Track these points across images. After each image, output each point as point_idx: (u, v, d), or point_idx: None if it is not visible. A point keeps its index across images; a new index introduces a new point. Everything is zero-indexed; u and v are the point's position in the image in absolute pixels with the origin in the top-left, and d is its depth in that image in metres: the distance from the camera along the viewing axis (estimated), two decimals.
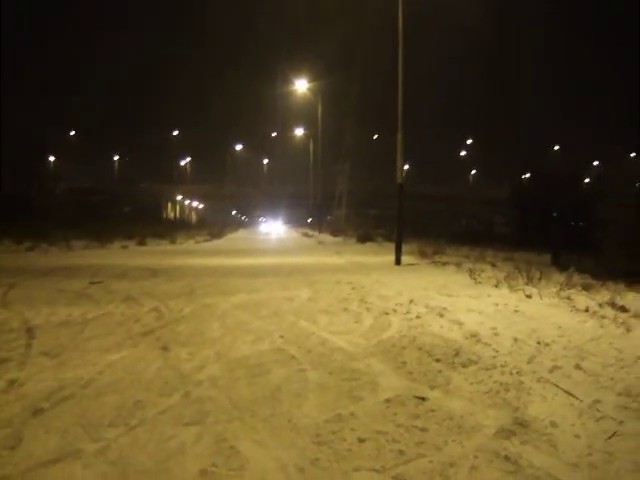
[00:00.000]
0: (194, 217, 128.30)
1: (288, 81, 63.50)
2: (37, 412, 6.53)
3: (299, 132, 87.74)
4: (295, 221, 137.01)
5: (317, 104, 63.05)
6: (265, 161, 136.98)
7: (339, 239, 50.99)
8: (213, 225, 78.79)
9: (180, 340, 10.17)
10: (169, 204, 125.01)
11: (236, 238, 64.41)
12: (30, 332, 10.90)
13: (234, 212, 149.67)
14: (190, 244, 48.06)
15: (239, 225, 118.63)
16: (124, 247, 40.49)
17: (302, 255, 33.30)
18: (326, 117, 65.29)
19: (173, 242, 48.73)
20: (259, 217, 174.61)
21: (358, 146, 76.31)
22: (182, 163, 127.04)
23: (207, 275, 21.03)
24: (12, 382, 7.65)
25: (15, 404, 6.81)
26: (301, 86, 63.46)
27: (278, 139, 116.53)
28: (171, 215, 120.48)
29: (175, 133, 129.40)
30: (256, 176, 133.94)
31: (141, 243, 44.27)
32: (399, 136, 25.42)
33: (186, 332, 10.86)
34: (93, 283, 18.11)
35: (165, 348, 9.55)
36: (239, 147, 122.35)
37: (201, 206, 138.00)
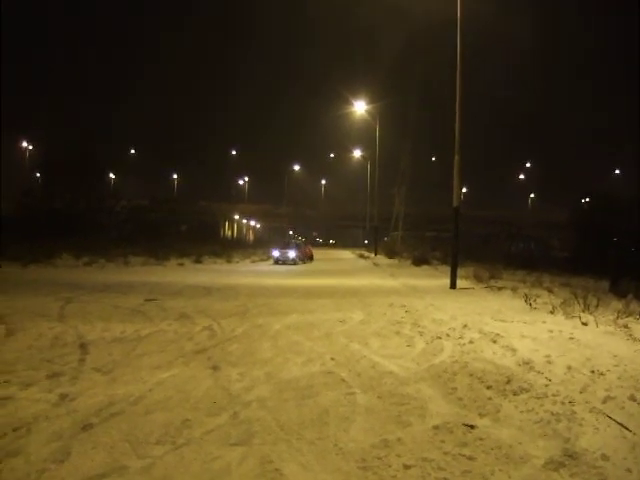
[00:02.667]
0: (251, 236, 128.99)
1: (347, 103, 63.69)
2: (86, 427, 6.60)
3: (357, 154, 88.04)
4: (350, 242, 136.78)
5: (375, 126, 63.14)
6: (322, 182, 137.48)
7: (394, 261, 50.80)
8: (270, 245, 79.03)
9: (231, 360, 10.23)
10: (226, 223, 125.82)
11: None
12: (84, 347, 11.05)
13: (290, 232, 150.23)
14: (246, 263, 48.28)
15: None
16: (180, 264, 40.97)
17: (357, 277, 33.25)
18: (383, 139, 65.38)
19: (229, 261, 49.03)
20: (316, 238, 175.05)
21: (415, 168, 76.29)
22: (240, 182, 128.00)
23: (261, 295, 21.12)
24: (64, 396, 7.75)
25: (65, 418, 6.90)
26: (360, 108, 63.63)
27: (335, 160, 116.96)
28: (228, 234, 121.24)
29: (234, 152, 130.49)
30: (313, 197, 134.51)
31: (197, 261, 44.80)
32: (456, 159, 25.28)
33: (237, 352, 10.91)
34: (148, 300, 18.29)
35: (216, 368, 9.60)
36: (297, 167, 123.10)
37: (258, 225, 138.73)
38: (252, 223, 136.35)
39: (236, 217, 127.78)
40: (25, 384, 8.34)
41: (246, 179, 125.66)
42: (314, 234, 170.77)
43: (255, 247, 74.14)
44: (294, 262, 46.45)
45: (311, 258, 53.11)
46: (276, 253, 48.80)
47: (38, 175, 71.46)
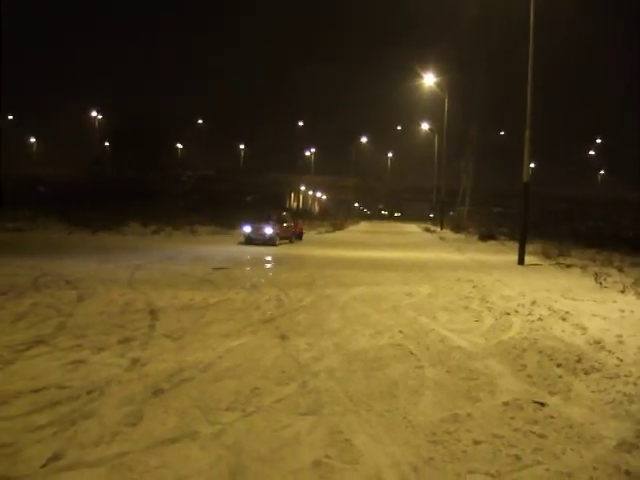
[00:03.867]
0: (316, 208, 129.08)
1: (416, 75, 63.01)
2: (157, 392, 6.69)
3: (424, 127, 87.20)
4: (416, 216, 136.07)
5: (444, 99, 62.47)
6: (389, 154, 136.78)
7: (461, 236, 50.36)
8: (335, 216, 78.90)
9: (299, 330, 10.27)
10: (292, 194, 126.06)
11: (358, 230, 64.33)
12: (153, 314, 11.20)
13: (356, 204, 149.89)
14: (312, 235, 48.23)
15: (361, 217, 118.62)
16: None
17: (423, 250, 33.06)
18: (452, 112, 64.67)
19: None
20: (381, 210, 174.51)
21: (483, 142, 75.43)
22: (307, 153, 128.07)
23: (328, 266, 21.16)
24: (135, 361, 7.87)
25: (137, 383, 7.00)
26: (429, 80, 62.89)
27: (403, 133, 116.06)
28: (294, 205, 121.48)
29: (301, 124, 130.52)
30: (379, 169, 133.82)
31: None
32: (527, 134, 24.89)
33: (305, 322, 10.96)
34: (216, 269, 18.45)
35: (284, 337, 9.66)
36: (364, 140, 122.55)
37: (324, 197, 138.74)
38: (318, 195, 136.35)
39: (302, 188, 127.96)
40: (97, 348, 8.50)
41: (312, 150, 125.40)
42: (379, 206, 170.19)
43: (321, 219, 74.05)
44: (272, 242, 33.44)
45: (300, 236, 38.58)
46: (248, 229, 34.26)
47: (107, 144, 72.29)
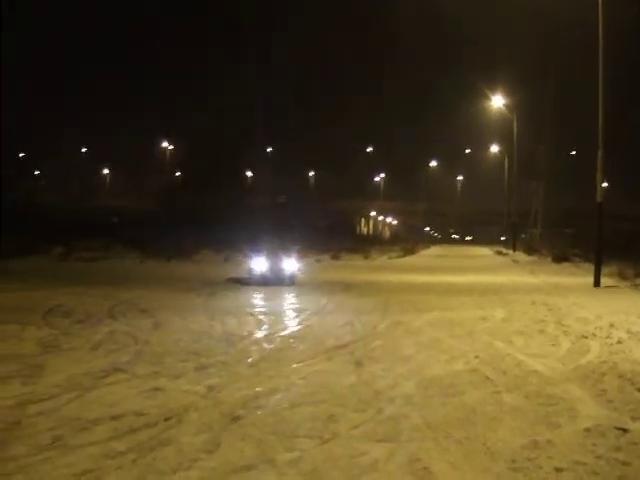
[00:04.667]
0: (387, 233, 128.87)
1: (484, 96, 62.50)
2: (234, 419, 6.71)
3: (493, 149, 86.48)
4: (487, 239, 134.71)
5: (512, 120, 61.93)
6: (458, 178, 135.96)
7: (533, 258, 49.65)
8: (406, 241, 78.71)
9: (374, 356, 10.23)
10: (362, 219, 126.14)
11: (429, 255, 64.10)
12: (229, 341, 11.29)
13: (426, 229, 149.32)
14: (383, 260, 48.22)
15: (431, 242, 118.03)
16: (318, 260, 41.55)
17: (496, 274, 32.69)
18: (521, 133, 64.01)
19: (366, 257, 49.08)
20: (452, 234, 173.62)
21: (553, 163, 74.37)
22: (376, 179, 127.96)
23: (400, 291, 21.12)
24: (211, 388, 7.93)
25: (214, 410, 7.04)
26: (497, 102, 62.25)
27: (471, 155, 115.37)
28: (364, 230, 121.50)
29: (369, 149, 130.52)
30: (449, 193, 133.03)
31: (335, 257, 45.36)
32: (600, 154, 24.50)
33: (380, 348, 10.92)
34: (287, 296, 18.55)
35: (358, 363, 9.63)
36: (433, 164, 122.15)
37: (394, 222, 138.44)
38: (388, 219, 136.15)
39: (372, 214, 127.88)
40: (174, 376, 8.59)
41: (382, 176, 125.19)
42: (450, 230, 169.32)
43: (392, 244, 73.91)
44: (291, 281, 23.19)
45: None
46: (260, 266, 23.40)
47: (178, 174, 73.51)
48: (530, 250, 57.05)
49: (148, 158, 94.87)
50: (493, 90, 61.35)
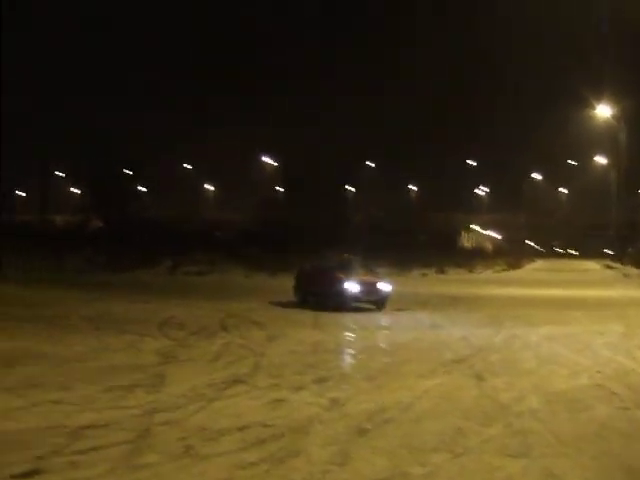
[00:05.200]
0: (489, 246, 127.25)
1: (588, 106, 60.82)
2: (362, 432, 6.63)
3: (598, 160, 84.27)
4: (592, 252, 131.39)
5: (618, 130, 60.20)
6: (560, 189, 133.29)
7: None
8: (509, 255, 77.52)
9: (493, 370, 10.08)
10: (463, 233, 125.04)
11: (535, 269, 62.98)
12: (343, 354, 11.29)
13: (528, 242, 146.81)
14: (489, 274, 47.73)
15: (535, 255, 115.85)
16: (424, 275, 41.48)
17: (606, 288, 31.88)
18: (629, 141, 62.09)
19: (471, 271, 48.93)
20: (554, 247, 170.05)
21: None
22: (478, 192, 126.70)
23: (510, 305, 20.85)
24: (334, 401, 7.88)
25: (339, 422, 6.98)
26: (603, 111, 60.54)
27: (574, 167, 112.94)
28: (466, 244, 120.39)
29: (473, 163, 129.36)
30: (551, 205, 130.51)
31: (440, 271, 44.99)
32: None
33: (498, 362, 10.76)
34: (398, 310, 18.45)
35: (479, 377, 9.48)
36: (536, 176, 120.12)
37: (496, 235, 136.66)
38: (490, 233, 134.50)
39: (473, 227, 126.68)
40: (294, 388, 8.60)
41: (484, 189, 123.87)
42: (553, 244, 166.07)
43: (495, 257, 72.79)
44: (381, 302, 19.93)
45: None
46: (353, 286, 19.76)
47: (278, 189, 74.28)
48: None
49: (250, 173, 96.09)
50: (598, 99, 59.60)
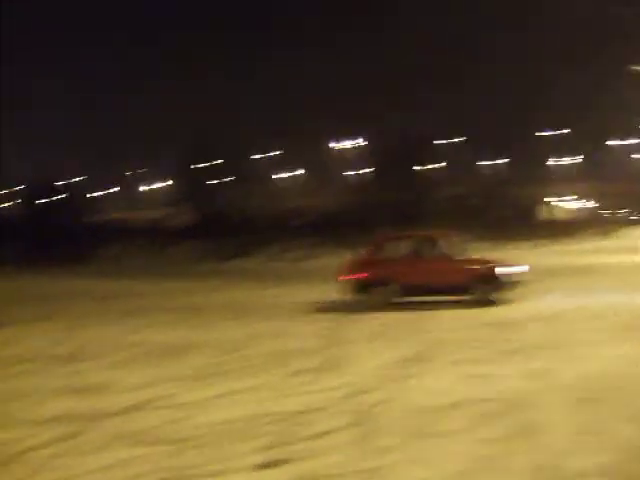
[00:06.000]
0: (571, 218, 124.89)
1: None
2: (586, 401, 6.47)
3: None
4: None
5: None
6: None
7: None
8: (596, 225, 75.82)
9: None
10: (544, 205, 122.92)
11: (636, 236, 61.24)
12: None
13: (607, 211, 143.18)
14: (594, 243, 47.33)
15: (627, 224, 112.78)
16: (535, 246, 43.22)
17: None
18: None
19: (575, 241, 49.82)
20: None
21: None
22: (563, 162, 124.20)
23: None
24: (533, 373, 7.71)
25: (556, 394, 6.82)
26: None
27: None
28: (545, 216, 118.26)
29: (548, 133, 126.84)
30: (630, 172, 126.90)
31: (546, 244, 46.40)
32: None
33: None
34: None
35: None
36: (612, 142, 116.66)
37: (575, 206, 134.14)
38: (571, 204, 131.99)
39: (555, 199, 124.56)
40: (481, 361, 8.57)
41: (567, 159, 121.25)
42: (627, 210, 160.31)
43: (579, 228, 71.20)
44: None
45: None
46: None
47: (361, 171, 73.94)
48: None
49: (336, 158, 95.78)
50: None
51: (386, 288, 14.50)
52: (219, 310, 14.90)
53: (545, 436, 5.47)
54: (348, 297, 14.79)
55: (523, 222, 65.15)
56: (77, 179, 65.06)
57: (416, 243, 15.60)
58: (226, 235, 38.68)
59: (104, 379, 8.26)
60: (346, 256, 21.07)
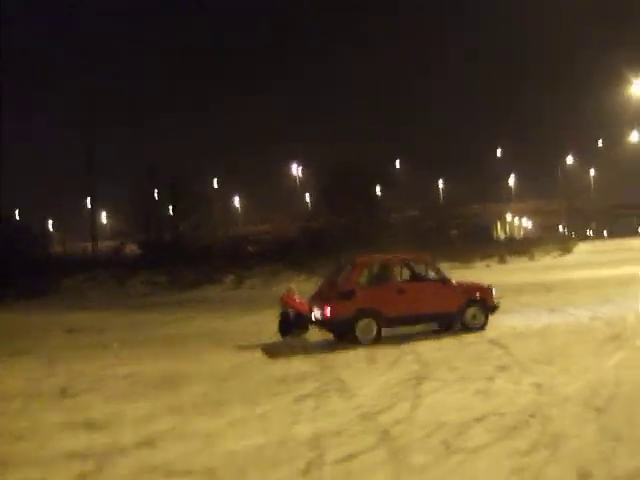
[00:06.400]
0: (522, 235, 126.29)
1: (624, 82, 59.37)
2: (601, 410, 6.61)
3: (633, 137, 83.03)
4: (628, 233, 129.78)
5: None
6: (592, 171, 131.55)
7: None
8: (551, 241, 76.71)
9: None
10: (498, 223, 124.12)
11: (586, 251, 61.94)
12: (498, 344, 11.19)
13: (561, 228, 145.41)
14: (548, 260, 47.57)
15: (576, 240, 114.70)
16: (487, 266, 41.72)
17: None
18: None
19: (531, 259, 49.20)
20: (587, 231, 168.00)
21: None
22: (509, 181, 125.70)
23: (601, 285, 21.07)
24: (538, 386, 7.85)
25: (566, 405, 6.95)
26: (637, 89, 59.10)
27: (607, 145, 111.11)
28: (500, 234, 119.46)
29: (499, 152, 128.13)
30: (583, 188, 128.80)
31: (502, 261, 45.56)
32: None
33: None
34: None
35: None
36: (569, 160, 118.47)
37: (527, 224, 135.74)
38: (523, 221, 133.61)
39: (507, 217, 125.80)
40: (483, 378, 8.60)
41: (513, 177, 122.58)
42: (588, 227, 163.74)
43: (536, 245, 71.96)
44: None
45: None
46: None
47: (308, 199, 74.48)
48: None
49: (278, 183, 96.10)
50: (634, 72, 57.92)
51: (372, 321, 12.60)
52: (199, 340, 14.65)
53: (573, 444, 5.63)
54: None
55: (479, 241, 65.64)
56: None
57: (402, 266, 14.10)
58: (181, 264, 38.41)
59: (106, 413, 8.08)
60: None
